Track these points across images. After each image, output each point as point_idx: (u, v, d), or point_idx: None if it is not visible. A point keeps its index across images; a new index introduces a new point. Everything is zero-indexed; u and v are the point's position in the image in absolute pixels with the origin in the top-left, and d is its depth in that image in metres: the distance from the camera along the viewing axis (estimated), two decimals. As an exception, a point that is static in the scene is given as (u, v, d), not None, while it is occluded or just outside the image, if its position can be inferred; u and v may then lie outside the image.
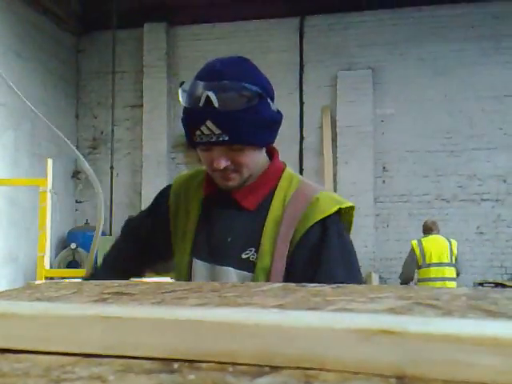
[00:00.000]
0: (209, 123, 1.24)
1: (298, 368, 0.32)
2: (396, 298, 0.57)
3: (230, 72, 1.29)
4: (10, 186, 7.20)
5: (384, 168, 8.49)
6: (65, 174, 9.09)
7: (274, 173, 1.42)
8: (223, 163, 1.29)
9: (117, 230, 8.90)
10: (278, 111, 1.38)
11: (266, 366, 0.33)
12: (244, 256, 1.34)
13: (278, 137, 1.43)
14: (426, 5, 8.42)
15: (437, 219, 8.04)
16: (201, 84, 1.27)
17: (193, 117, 1.28)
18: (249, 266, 1.33)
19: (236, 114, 1.25)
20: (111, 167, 9.11)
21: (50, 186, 5.16)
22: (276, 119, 1.37)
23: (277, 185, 1.39)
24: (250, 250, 1.34)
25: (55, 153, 8.47)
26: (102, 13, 9.04)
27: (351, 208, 1.44)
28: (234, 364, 0.34)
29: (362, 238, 8.22)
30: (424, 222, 6.72)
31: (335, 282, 1.15)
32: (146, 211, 1.64)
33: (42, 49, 8.47)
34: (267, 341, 0.34)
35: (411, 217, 8.34)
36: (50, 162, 5.25)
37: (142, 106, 9.12)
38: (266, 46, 8.91)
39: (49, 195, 5.17)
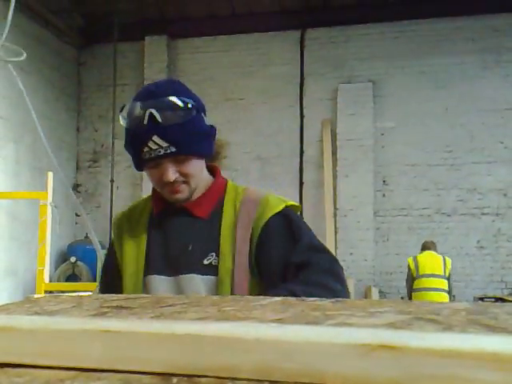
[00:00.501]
0: (155, 138, 1.33)
1: (297, 383, 0.32)
2: (396, 313, 0.56)
3: (165, 90, 1.38)
4: (11, 199, 7.21)
5: (384, 181, 8.49)
6: (65, 187, 9.08)
7: (219, 186, 1.52)
8: (172, 176, 1.36)
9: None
10: (212, 125, 1.48)
11: (266, 380, 0.33)
12: (206, 262, 1.41)
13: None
14: (427, 18, 8.47)
15: (437, 233, 8.06)
16: (141, 104, 1.35)
17: (139, 135, 1.34)
18: (212, 270, 1.40)
19: (178, 126, 1.34)
20: (111, 180, 9.12)
21: (50, 199, 5.16)
22: (212, 132, 1.47)
23: (224, 195, 1.49)
24: (212, 255, 1.41)
25: (55, 166, 8.48)
26: (103, 26, 9.10)
27: (297, 207, 1.52)
28: (233, 379, 0.34)
29: (362, 251, 8.22)
30: (424, 241, 6.97)
31: (317, 250, 1.38)
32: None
33: (44, 62, 8.51)
34: (267, 355, 0.34)
35: (411, 231, 8.33)
36: (50, 175, 5.26)
37: (142, 119, 9.14)
38: (266, 58, 8.96)
39: (49, 208, 5.17)
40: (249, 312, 0.59)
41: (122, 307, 0.65)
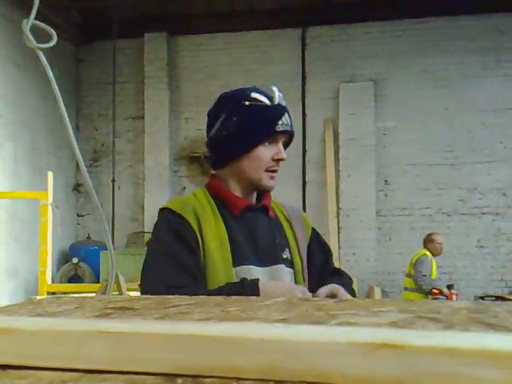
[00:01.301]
0: (286, 115, 1.59)
1: (301, 382, 0.32)
2: (398, 312, 0.57)
3: None
4: (10, 198, 7.17)
5: (386, 181, 8.49)
6: (66, 187, 9.08)
7: None
8: (284, 153, 1.58)
9: (119, 243, 8.89)
10: None
11: (271, 380, 0.33)
12: (284, 256, 1.59)
13: None
14: (428, 17, 8.45)
15: (438, 233, 8.05)
16: (271, 86, 1.60)
17: (277, 109, 1.57)
18: (288, 263, 1.60)
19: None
20: (113, 180, 9.10)
21: (50, 199, 5.15)
22: None
23: (270, 198, 1.70)
24: (286, 251, 1.61)
25: (56, 165, 8.48)
26: (102, 22, 9.01)
27: None
28: (238, 379, 0.34)
29: (365, 251, 8.22)
30: None
31: (335, 265, 1.76)
32: (181, 249, 1.50)
33: (42, 59, 8.49)
34: (271, 355, 0.34)
35: (413, 230, 8.33)
36: (50, 174, 5.25)
37: (143, 117, 9.13)
38: (267, 57, 8.94)
39: (50, 209, 5.16)
40: (253, 312, 0.59)
41: (125, 308, 0.65)
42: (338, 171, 8.40)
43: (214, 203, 1.57)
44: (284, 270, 1.57)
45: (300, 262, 1.62)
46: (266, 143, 1.55)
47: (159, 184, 8.87)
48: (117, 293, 4.65)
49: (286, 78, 8.76)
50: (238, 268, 1.49)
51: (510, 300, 7.16)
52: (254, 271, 1.50)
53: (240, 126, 1.54)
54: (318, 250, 1.71)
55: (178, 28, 9.14)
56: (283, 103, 1.60)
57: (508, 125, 8.21)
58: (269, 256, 1.56)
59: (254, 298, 0.76)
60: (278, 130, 1.54)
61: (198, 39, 9.17)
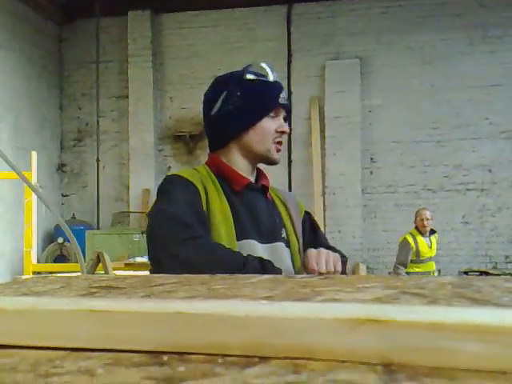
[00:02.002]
0: (284, 91, 1.65)
1: (286, 358, 0.33)
2: (383, 288, 0.57)
3: None
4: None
5: (372, 159, 8.52)
6: (50, 168, 9.01)
7: (263, 172, 1.75)
8: (288, 128, 1.63)
9: (104, 223, 8.86)
10: None
11: (255, 356, 0.33)
12: (283, 235, 1.64)
13: None
14: (414, -7, 8.43)
15: (426, 208, 8.10)
16: (265, 64, 1.67)
17: (277, 83, 1.64)
18: (286, 244, 1.64)
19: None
20: (97, 160, 9.04)
21: (34, 179, 5.12)
22: None
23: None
24: (283, 231, 1.65)
25: (39, 145, 8.39)
26: (85, 1, 8.88)
27: None
28: (223, 355, 0.34)
29: (350, 228, 8.27)
30: None
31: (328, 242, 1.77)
32: (186, 204, 1.48)
33: (24, 38, 8.34)
34: (256, 332, 0.34)
35: (398, 207, 8.39)
36: (34, 154, 5.21)
37: (127, 96, 9.04)
38: (253, 34, 8.87)
39: (35, 189, 5.12)
40: (238, 290, 0.59)
41: (111, 287, 0.65)
42: (323, 149, 8.41)
43: (215, 179, 1.59)
44: (283, 249, 1.61)
45: (297, 243, 1.67)
46: (271, 116, 1.60)
47: (144, 163, 8.83)
48: (103, 272, 4.65)
49: (271, 56, 8.70)
50: (241, 242, 1.50)
51: (493, 275, 7.27)
52: (256, 246, 1.53)
53: (246, 99, 1.58)
54: (312, 231, 1.76)
55: (162, 6, 9.01)
56: (278, 79, 1.67)
57: (494, 101, 8.25)
58: (269, 233, 1.59)
59: (240, 275, 0.76)
60: (281, 102, 1.60)
61: (183, 17, 9.05)
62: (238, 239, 1.50)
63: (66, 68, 9.53)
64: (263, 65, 1.67)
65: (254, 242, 1.54)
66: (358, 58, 8.53)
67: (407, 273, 6.15)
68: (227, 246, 1.45)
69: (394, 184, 8.46)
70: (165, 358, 0.35)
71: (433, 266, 6.36)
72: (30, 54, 8.53)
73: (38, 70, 8.82)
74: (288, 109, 1.66)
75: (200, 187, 1.52)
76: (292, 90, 8.70)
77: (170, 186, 1.53)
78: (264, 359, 0.33)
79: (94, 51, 9.08)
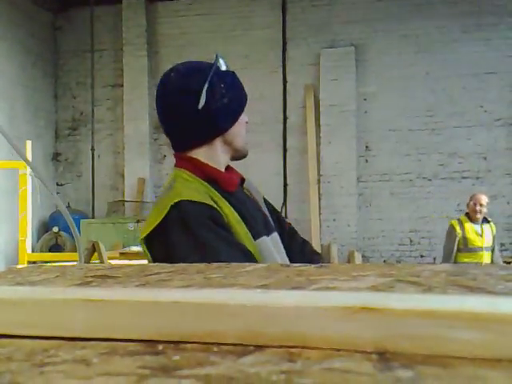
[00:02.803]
0: None
1: (281, 346, 0.33)
2: (378, 276, 0.57)
3: None
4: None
5: (367, 147, 8.52)
6: (44, 157, 8.98)
7: None
8: None
9: (99, 212, 8.86)
10: None
11: (251, 345, 0.33)
12: (271, 224, 1.62)
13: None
14: (408, -20, 8.39)
15: (418, 197, 8.14)
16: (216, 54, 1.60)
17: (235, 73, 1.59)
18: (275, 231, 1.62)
19: None
20: (92, 149, 9.02)
21: (29, 168, 5.10)
22: None
23: None
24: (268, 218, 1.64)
25: (34, 135, 8.36)
26: (80, -11, 8.85)
27: None
28: (218, 344, 0.34)
29: (345, 217, 8.29)
30: None
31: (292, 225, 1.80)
32: (220, 232, 1.41)
33: (18, 27, 8.28)
34: (251, 321, 0.34)
35: (393, 196, 8.41)
36: (29, 143, 5.19)
37: (122, 85, 9.00)
38: (247, 22, 8.82)
39: (29, 178, 5.12)
40: (234, 279, 0.59)
41: (106, 276, 0.65)
42: (318, 137, 8.40)
43: (208, 185, 1.47)
44: (278, 237, 1.60)
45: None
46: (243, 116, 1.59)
47: (139, 152, 8.80)
48: (98, 261, 4.65)
49: (266, 44, 8.68)
50: (258, 241, 1.47)
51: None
52: (268, 242, 1.50)
53: (231, 92, 1.51)
54: (274, 215, 1.71)
55: (157, -7, 8.96)
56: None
57: (489, 89, 8.25)
58: (265, 225, 1.57)
59: (236, 264, 0.76)
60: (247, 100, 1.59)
61: (177, 5, 8.99)
62: (255, 238, 1.46)
63: (61, 57, 9.47)
64: (217, 54, 1.60)
65: (264, 237, 1.50)
66: (353, 45, 8.50)
67: (455, 263, 5.45)
68: (251, 249, 1.41)
69: (389, 172, 8.47)
70: (160, 346, 0.35)
71: (486, 257, 5.74)
72: (24, 43, 8.47)
73: (33, 58, 8.76)
74: None
75: (214, 204, 1.41)
76: (287, 78, 8.68)
77: (195, 223, 1.37)
78: (259, 348, 0.33)
79: (89, 40, 9.02)
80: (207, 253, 1.32)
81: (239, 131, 1.56)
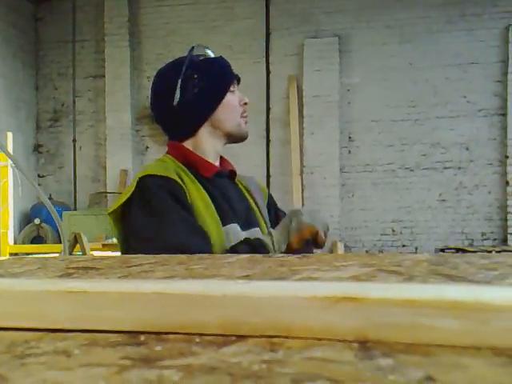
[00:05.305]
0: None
1: (263, 336, 0.33)
2: (360, 266, 0.58)
3: None
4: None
5: (350, 138, 8.55)
6: (25, 148, 8.89)
7: (223, 157, 1.72)
8: (247, 99, 1.62)
9: (81, 204, 8.79)
10: None
11: (232, 335, 0.33)
12: (254, 219, 1.63)
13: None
14: (392, -30, 8.39)
15: (400, 188, 8.18)
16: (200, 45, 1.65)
17: (224, 59, 1.62)
18: (260, 228, 1.62)
19: None
20: (74, 140, 8.94)
21: (10, 160, 5.05)
22: None
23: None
24: (254, 214, 1.64)
25: (15, 126, 8.26)
26: (61, -21, 8.73)
27: None
28: (200, 335, 0.34)
29: (328, 207, 8.32)
30: None
31: None
32: (178, 208, 1.43)
33: (-1, 18, 8.17)
34: (233, 311, 0.34)
35: (375, 186, 8.45)
36: (9, 135, 5.14)
37: (103, 76, 8.91)
38: (231, 12, 8.77)
39: (10, 170, 5.07)
40: (216, 270, 0.59)
41: (88, 268, 0.65)
42: (301, 128, 8.40)
43: (185, 168, 1.54)
44: (260, 234, 1.57)
45: (266, 227, 1.65)
46: (231, 90, 1.60)
47: (121, 144, 8.74)
48: (80, 253, 4.63)
49: (249, 35, 8.64)
50: (227, 227, 1.48)
51: (470, 252, 7.40)
52: (238, 231, 1.51)
53: (206, 79, 1.55)
54: (276, 215, 1.75)
55: (139, -17, 8.86)
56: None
57: (472, 79, 8.30)
58: (245, 219, 1.57)
59: (218, 255, 0.76)
60: (234, 75, 1.62)
61: (160, -6, 8.91)
62: (224, 224, 1.48)
63: (42, 47, 9.35)
64: (199, 45, 1.65)
65: (237, 225, 1.52)
66: (337, 36, 8.50)
67: None
68: (215, 233, 1.43)
69: (371, 163, 8.51)
70: (142, 337, 0.35)
71: None
72: (4, 34, 8.34)
73: (13, 49, 8.64)
74: (239, 80, 1.66)
75: (179, 180, 1.46)
76: (270, 68, 8.66)
77: (150, 193, 1.42)
78: (241, 338, 0.33)
79: (70, 30, 8.92)
80: (159, 223, 1.38)
81: (226, 115, 1.57)
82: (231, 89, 1.59)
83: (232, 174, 1.66)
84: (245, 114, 1.61)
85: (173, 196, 1.43)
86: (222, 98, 1.57)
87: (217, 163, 1.63)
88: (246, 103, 1.61)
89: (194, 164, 1.56)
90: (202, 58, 1.59)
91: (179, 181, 1.46)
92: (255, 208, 1.66)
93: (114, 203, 1.52)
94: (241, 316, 0.34)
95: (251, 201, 1.67)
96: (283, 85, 8.60)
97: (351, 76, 8.51)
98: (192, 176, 1.52)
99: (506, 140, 8.17)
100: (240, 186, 1.69)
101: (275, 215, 1.74)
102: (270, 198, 1.79)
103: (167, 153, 1.62)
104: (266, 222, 1.66)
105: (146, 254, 1.39)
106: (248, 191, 1.70)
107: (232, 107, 1.58)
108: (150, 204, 1.41)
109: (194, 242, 1.36)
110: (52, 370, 0.29)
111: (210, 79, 1.56)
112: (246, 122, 1.61)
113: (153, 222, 1.39)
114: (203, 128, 1.58)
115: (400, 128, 8.44)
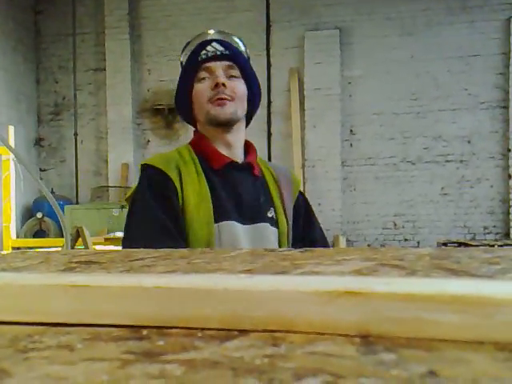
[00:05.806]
0: (213, 44, 1.56)
1: (265, 331, 0.33)
2: (362, 260, 0.58)
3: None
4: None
5: (351, 131, 8.53)
6: (27, 142, 8.89)
7: (253, 148, 1.70)
8: (223, 78, 1.52)
9: (83, 198, 8.80)
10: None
11: (235, 329, 0.33)
12: (269, 214, 1.57)
13: None
14: (393, -37, 8.35)
15: (402, 181, 8.17)
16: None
17: (202, 44, 1.57)
18: (274, 223, 1.57)
19: (238, 50, 1.62)
20: (75, 134, 8.93)
21: (12, 154, 5.05)
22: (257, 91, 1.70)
23: (256, 156, 1.69)
24: (271, 210, 1.58)
25: (16, 120, 8.26)
26: (61, -28, 8.70)
27: None
28: (202, 329, 0.34)
29: (330, 201, 8.31)
30: None
31: (324, 238, 1.68)
32: (153, 205, 1.46)
33: (-1, 11, 8.15)
34: (235, 305, 0.34)
35: (377, 180, 8.45)
36: (11, 129, 5.13)
37: (104, 69, 8.90)
38: (231, 5, 8.73)
39: (12, 164, 5.06)
40: (218, 264, 0.59)
41: (90, 262, 0.65)
42: (303, 121, 8.39)
43: (197, 159, 1.55)
44: (268, 229, 1.55)
45: (286, 223, 1.60)
46: (201, 79, 1.56)
47: (122, 137, 8.73)
48: (82, 247, 4.64)
49: (250, 27, 8.61)
50: (221, 223, 1.47)
51: (472, 246, 7.40)
52: (236, 227, 1.49)
53: (180, 75, 1.63)
54: (307, 219, 1.69)
55: (139, -25, 8.83)
56: (216, 37, 1.61)
57: (473, 72, 8.27)
58: (252, 214, 1.53)
59: (220, 249, 0.76)
60: (199, 59, 1.56)
61: (160, -13, 8.88)
62: (217, 221, 1.46)
63: (42, 41, 9.33)
64: (201, 34, 1.65)
65: (234, 222, 1.49)
66: (338, 28, 8.47)
67: None
68: (204, 229, 1.44)
69: (373, 156, 8.49)
70: (144, 332, 0.35)
71: None
72: (4, 27, 8.32)
73: (14, 43, 8.62)
74: (223, 57, 1.56)
75: (173, 174, 1.48)
76: (271, 61, 8.64)
77: (142, 185, 1.50)
78: (243, 332, 0.33)
79: (71, 23, 8.89)
80: (131, 223, 1.45)
81: (196, 105, 1.59)
82: (200, 77, 1.56)
83: (249, 166, 1.61)
84: (217, 97, 1.53)
85: (155, 193, 1.46)
86: (190, 90, 1.58)
87: (235, 151, 1.60)
88: (217, 84, 1.52)
89: (206, 155, 1.58)
90: (189, 53, 1.62)
91: (175, 178, 1.47)
92: (278, 202, 1.61)
93: (128, 192, 1.60)
94: (243, 310, 0.34)
95: (275, 194, 1.62)
96: (284, 78, 8.58)
97: (352, 69, 8.49)
98: (200, 168, 1.53)
99: (508, 133, 8.16)
100: (268, 176, 1.66)
101: (308, 223, 1.68)
102: (302, 197, 1.72)
103: (190, 142, 1.66)
104: (287, 218, 1.60)
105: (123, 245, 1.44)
106: (277, 183, 1.65)
107: (198, 98, 1.57)
108: (137, 196, 1.49)
109: (158, 244, 1.38)
110: (55, 365, 0.29)
111: (181, 74, 1.62)
112: (219, 104, 1.53)
113: (128, 222, 1.47)
114: (197, 122, 1.63)
115: (401, 121, 8.42)
